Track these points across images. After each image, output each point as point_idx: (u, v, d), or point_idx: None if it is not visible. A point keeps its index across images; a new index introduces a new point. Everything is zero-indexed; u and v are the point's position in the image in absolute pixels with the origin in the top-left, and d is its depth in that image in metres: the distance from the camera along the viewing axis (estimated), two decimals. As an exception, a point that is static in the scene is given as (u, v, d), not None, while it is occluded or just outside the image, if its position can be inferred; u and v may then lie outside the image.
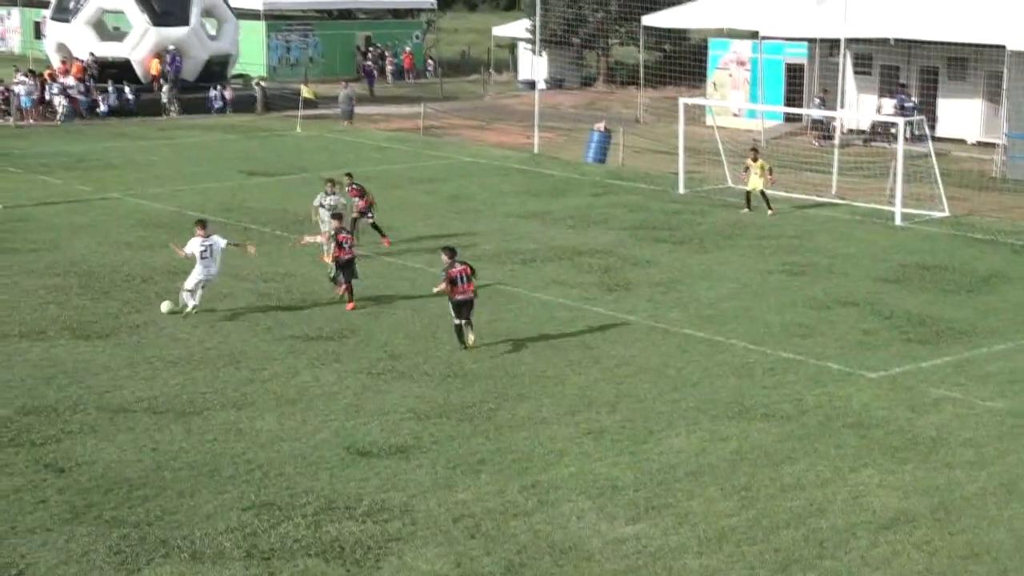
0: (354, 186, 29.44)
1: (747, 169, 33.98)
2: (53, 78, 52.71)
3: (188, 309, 23.56)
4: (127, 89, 52.89)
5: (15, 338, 21.89)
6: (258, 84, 57.34)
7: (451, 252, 22.20)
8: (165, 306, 23.72)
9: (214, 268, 23.74)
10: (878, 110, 47.78)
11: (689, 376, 20.38)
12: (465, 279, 21.91)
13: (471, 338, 21.92)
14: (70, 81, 52.53)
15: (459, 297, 21.88)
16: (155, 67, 53.97)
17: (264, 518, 14.94)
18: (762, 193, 33.83)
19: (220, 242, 24.00)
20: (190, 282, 23.67)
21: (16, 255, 28.02)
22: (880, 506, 15.48)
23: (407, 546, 14.32)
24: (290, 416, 18.35)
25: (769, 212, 33.65)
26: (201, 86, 55.10)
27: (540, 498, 15.62)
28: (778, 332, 22.86)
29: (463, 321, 21.97)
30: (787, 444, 17.48)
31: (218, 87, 54.66)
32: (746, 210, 33.91)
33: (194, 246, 23.66)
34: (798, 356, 21.45)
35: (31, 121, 50.26)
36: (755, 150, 35.25)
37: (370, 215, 29.30)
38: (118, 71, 53.97)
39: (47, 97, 51.58)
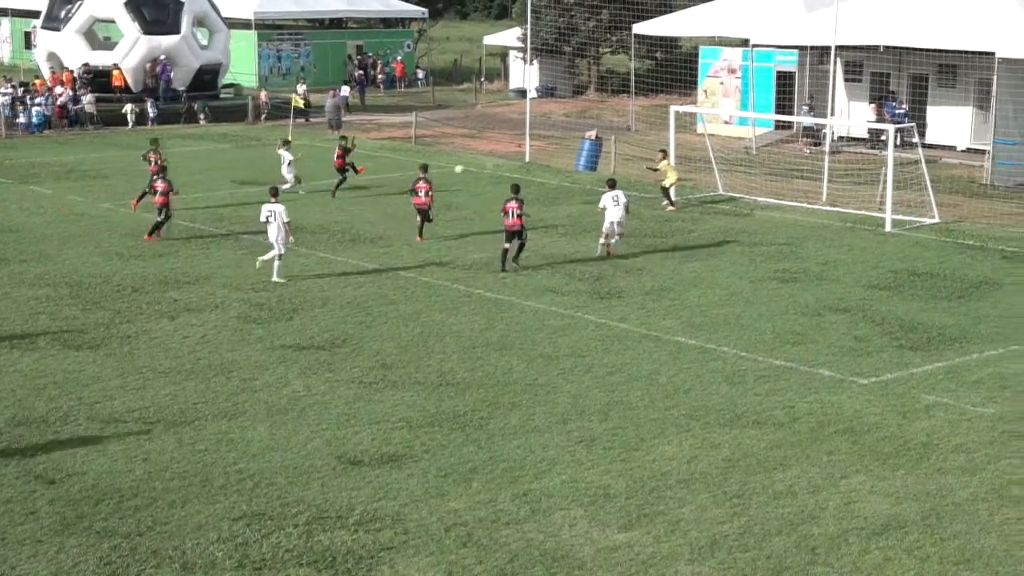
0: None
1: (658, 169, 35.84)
2: (26, 88, 52.83)
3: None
4: (85, 100, 52.61)
5: (5, 349, 21.84)
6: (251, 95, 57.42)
7: (515, 189, 28.31)
8: (459, 168, 32.32)
9: (274, 235, 26.40)
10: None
11: (681, 383, 20.39)
12: (514, 214, 27.45)
13: (513, 266, 27.61)
14: (56, 90, 52.48)
15: (507, 225, 27.65)
16: (118, 77, 53.84)
17: (255, 528, 14.92)
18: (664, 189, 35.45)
19: (282, 213, 26.46)
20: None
21: (6, 265, 27.98)
22: (872, 512, 15.50)
23: (399, 555, 14.31)
24: (281, 426, 18.34)
25: (670, 207, 35.25)
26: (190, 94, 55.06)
27: (532, 506, 15.62)
28: (770, 339, 22.88)
29: (508, 246, 27.59)
30: (779, 451, 17.49)
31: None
32: (671, 207, 35.32)
33: (263, 211, 26.76)
34: (790, 363, 21.47)
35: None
36: (663, 151, 36.51)
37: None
38: (109, 80, 53.93)
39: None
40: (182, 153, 45.61)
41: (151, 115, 52.88)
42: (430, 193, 30.46)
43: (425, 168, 31.20)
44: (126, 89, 53.85)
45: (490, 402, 19.41)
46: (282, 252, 26.62)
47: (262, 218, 26.85)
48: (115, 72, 53.80)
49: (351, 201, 35.90)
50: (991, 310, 25.02)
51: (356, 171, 37.04)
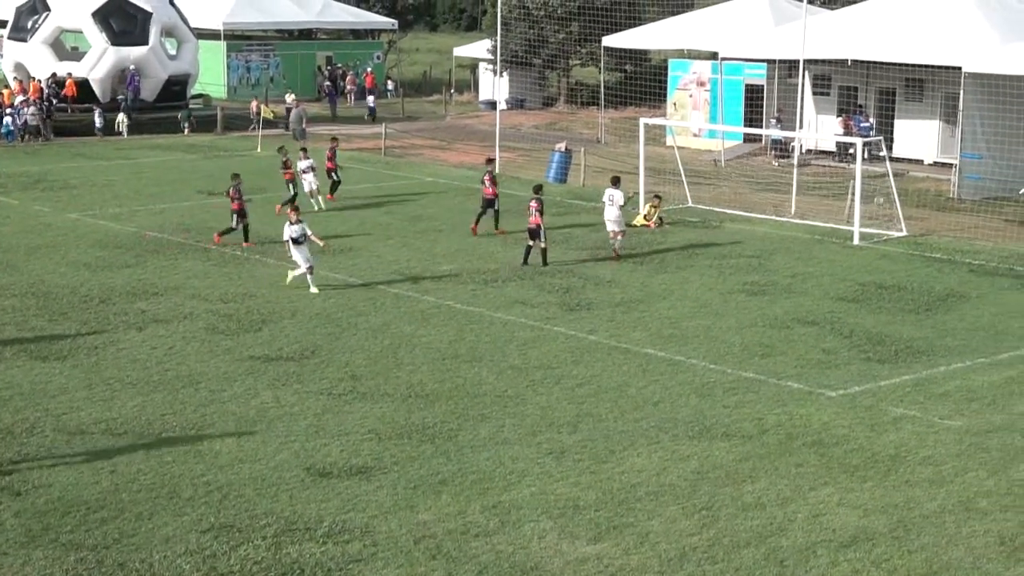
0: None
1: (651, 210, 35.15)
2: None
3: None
4: (27, 112, 52.16)
5: (-29, 360, 21.68)
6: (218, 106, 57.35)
7: (536, 189, 29.93)
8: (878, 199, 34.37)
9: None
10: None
11: (650, 396, 20.42)
12: (533, 212, 28.92)
13: (530, 265, 28.87)
14: (20, 99, 52.16)
15: (528, 223, 29.10)
16: (69, 87, 53.52)
17: (223, 540, 14.84)
18: (635, 224, 34.36)
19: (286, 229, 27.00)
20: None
21: (-28, 276, 27.78)
22: (840, 524, 15.55)
23: (368, 567, 14.26)
24: (250, 437, 18.25)
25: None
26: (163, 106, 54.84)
27: (501, 518, 15.60)
28: (738, 351, 22.94)
29: (530, 243, 29.00)
30: (748, 463, 17.53)
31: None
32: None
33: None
34: (758, 375, 21.53)
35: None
36: (658, 197, 35.82)
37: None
38: (72, 91, 53.63)
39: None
40: (149, 164, 45.46)
41: (98, 125, 52.48)
42: (495, 186, 32.89)
43: (491, 161, 34.50)
44: (76, 99, 53.47)
45: (459, 414, 19.38)
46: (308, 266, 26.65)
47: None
48: (68, 81, 53.48)
49: (321, 212, 35.80)
50: (958, 323, 25.16)
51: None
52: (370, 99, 63.58)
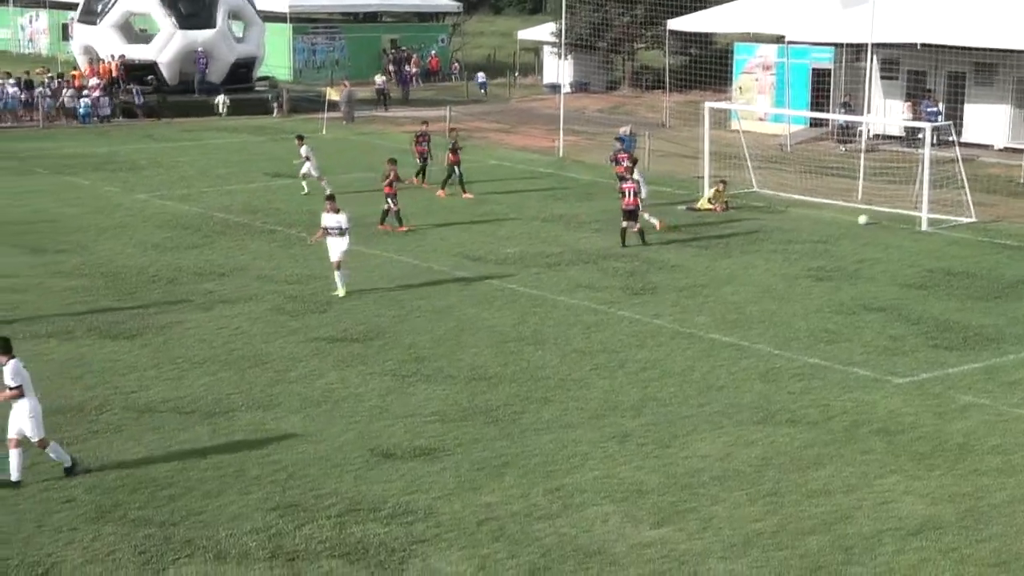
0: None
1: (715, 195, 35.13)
2: (69, 82, 53.24)
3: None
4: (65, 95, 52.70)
5: (43, 338, 21.99)
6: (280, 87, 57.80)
7: (630, 170, 31.21)
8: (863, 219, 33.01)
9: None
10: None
11: (714, 380, 20.33)
12: (630, 194, 29.51)
13: (631, 241, 29.40)
14: (93, 82, 52.82)
15: (623, 205, 29.70)
16: (103, 71, 54.11)
17: (289, 519, 14.97)
18: (700, 208, 34.82)
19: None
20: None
21: (44, 256, 28.17)
22: (907, 513, 15.41)
23: (431, 548, 14.32)
24: (315, 417, 18.39)
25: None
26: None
27: (565, 501, 15.60)
28: (804, 337, 22.78)
29: (626, 225, 29.39)
30: (813, 450, 17.41)
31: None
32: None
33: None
34: (824, 361, 21.36)
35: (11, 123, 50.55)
36: (723, 182, 35.62)
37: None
38: (145, 73, 54.24)
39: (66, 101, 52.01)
40: (216, 145, 45.82)
41: (138, 103, 52.99)
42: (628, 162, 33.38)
43: (622, 140, 35.97)
44: (113, 81, 53.93)
45: (523, 396, 19.41)
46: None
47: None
48: (115, 63, 53.97)
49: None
50: (1028, 310, 24.82)
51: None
52: (480, 76, 65.90)
